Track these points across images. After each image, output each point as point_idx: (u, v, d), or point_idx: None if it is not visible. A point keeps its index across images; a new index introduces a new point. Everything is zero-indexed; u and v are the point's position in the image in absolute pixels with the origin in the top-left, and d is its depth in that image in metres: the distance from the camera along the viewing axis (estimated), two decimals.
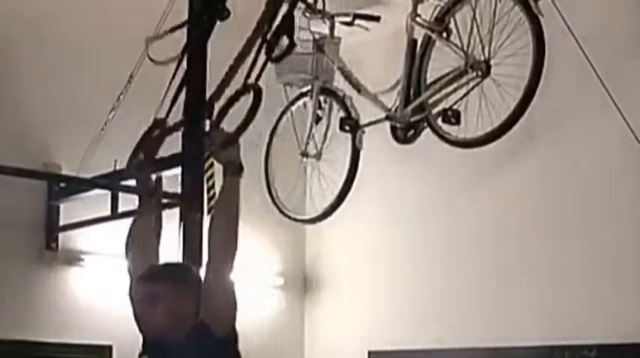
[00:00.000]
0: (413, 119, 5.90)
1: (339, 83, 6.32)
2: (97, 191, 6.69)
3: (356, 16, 6.17)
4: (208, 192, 5.36)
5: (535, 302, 6.77)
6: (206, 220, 4.66)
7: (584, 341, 6.49)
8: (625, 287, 6.38)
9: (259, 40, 4.57)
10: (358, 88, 6.12)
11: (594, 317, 6.45)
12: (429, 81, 5.91)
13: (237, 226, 3.76)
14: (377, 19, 6.23)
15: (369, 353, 7.63)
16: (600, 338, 6.41)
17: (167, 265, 3.98)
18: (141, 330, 3.73)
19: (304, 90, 6.40)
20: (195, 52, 4.73)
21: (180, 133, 4.86)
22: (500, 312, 6.94)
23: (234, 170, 3.73)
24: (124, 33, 7.03)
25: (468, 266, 7.17)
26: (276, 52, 4.52)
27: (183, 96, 4.86)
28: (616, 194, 6.49)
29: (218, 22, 4.74)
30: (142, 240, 4.15)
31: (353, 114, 6.11)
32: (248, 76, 4.37)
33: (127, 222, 6.53)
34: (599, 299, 6.45)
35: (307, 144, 6.41)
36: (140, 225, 4.19)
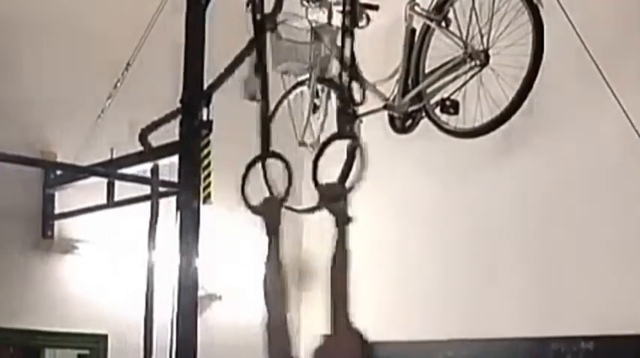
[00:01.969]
0: (411, 108, 5.90)
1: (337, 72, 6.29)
2: (93, 179, 6.67)
3: None
4: (204, 180, 5.36)
5: (532, 293, 6.76)
6: (202, 208, 4.66)
7: (580, 333, 6.49)
8: (622, 279, 6.36)
9: None
10: (356, 76, 6.10)
11: (591, 308, 6.44)
12: (427, 70, 5.91)
13: (349, 270, 4.00)
14: (375, 7, 6.20)
15: None
16: (597, 330, 6.40)
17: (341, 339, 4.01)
18: None
19: (302, 78, 6.38)
20: (193, 40, 4.71)
21: (177, 122, 4.86)
22: (497, 304, 6.93)
23: (344, 220, 3.98)
24: (122, 21, 7.01)
25: (465, 257, 7.15)
26: None
27: None
28: (615, 186, 6.47)
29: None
30: (273, 290, 4.19)
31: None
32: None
33: (123, 210, 6.63)
34: (597, 291, 6.44)
35: (304, 133, 6.39)
36: (270, 271, 4.21)
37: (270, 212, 4.29)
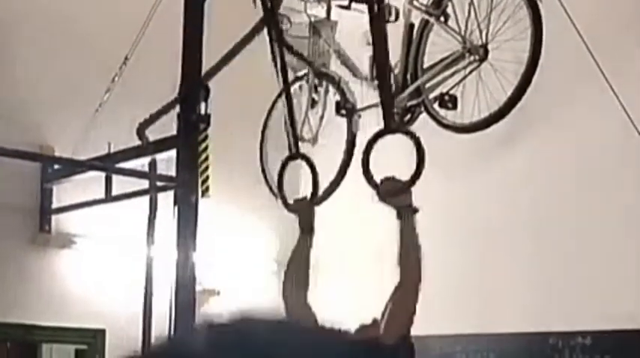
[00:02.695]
0: (409, 103, 5.88)
1: (336, 67, 6.27)
2: (91, 173, 6.66)
3: None
4: (202, 174, 5.34)
5: (530, 288, 6.75)
6: (201, 202, 4.64)
7: (578, 328, 6.49)
8: (619, 274, 6.36)
9: None
10: (354, 71, 6.08)
11: (588, 303, 6.44)
12: (425, 65, 5.89)
13: (421, 258, 4.08)
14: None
15: None
16: (594, 325, 6.41)
17: None
18: None
19: (300, 73, 6.35)
20: (191, 34, 4.69)
21: (175, 116, 4.84)
22: (495, 299, 6.92)
23: (409, 212, 4.07)
24: (119, 15, 6.99)
25: (462, 251, 7.15)
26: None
27: None
28: (613, 181, 6.47)
29: None
30: (297, 279, 4.27)
31: (349, 98, 6.06)
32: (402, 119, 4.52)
33: (121, 205, 6.62)
34: (594, 286, 6.44)
35: (303, 128, 6.36)
36: (296, 262, 4.24)
37: (304, 211, 4.41)
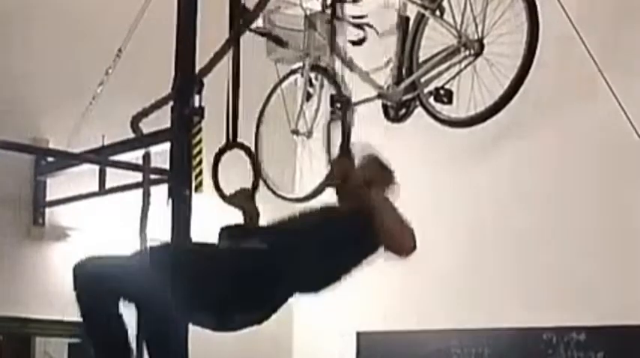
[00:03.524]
0: (405, 97, 5.89)
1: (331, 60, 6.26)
2: (85, 166, 6.64)
3: None
4: (195, 168, 5.32)
5: (524, 284, 6.75)
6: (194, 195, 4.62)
7: (572, 324, 6.49)
8: (614, 270, 6.36)
9: None
10: (350, 65, 6.07)
11: (583, 299, 6.44)
12: (421, 59, 5.89)
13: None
14: None
15: (358, 333, 7.61)
16: (589, 321, 6.40)
17: None
18: None
19: (295, 67, 6.35)
20: (185, 26, 4.67)
21: (169, 108, 4.83)
22: (489, 294, 6.92)
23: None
24: (113, 8, 6.97)
25: (456, 247, 7.14)
26: None
27: None
28: (609, 178, 6.46)
29: None
30: None
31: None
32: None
33: (115, 197, 6.60)
34: (588, 282, 6.44)
35: (298, 121, 6.36)
36: None
37: (247, 203, 4.34)
